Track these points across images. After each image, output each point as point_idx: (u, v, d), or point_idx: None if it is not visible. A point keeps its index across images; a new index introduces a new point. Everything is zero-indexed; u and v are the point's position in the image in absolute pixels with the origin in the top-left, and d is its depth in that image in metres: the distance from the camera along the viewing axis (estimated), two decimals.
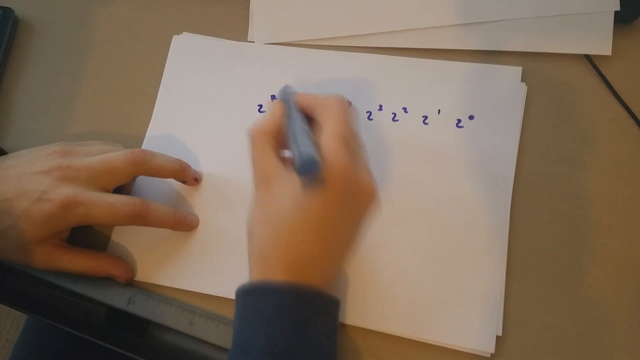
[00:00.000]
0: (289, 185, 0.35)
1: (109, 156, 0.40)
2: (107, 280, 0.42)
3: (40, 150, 0.41)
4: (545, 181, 0.43)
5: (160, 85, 0.48)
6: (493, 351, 0.39)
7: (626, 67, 0.45)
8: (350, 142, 0.36)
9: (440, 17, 0.47)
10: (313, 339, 0.34)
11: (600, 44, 0.45)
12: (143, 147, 0.47)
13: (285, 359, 0.33)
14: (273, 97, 0.47)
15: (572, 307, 0.40)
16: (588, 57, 0.45)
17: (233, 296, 0.37)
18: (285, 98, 0.39)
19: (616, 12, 0.45)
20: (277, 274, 0.34)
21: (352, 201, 0.36)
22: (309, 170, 0.33)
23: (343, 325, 0.41)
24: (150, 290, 0.43)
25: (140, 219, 0.40)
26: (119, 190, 0.43)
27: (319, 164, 0.33)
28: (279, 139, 0.38)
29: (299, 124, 0.36)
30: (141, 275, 0.43)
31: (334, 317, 0.36)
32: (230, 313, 0.41)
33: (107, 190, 0.40)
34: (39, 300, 0.44)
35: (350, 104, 0.38)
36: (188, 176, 0.43)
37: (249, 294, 0.35)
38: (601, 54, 0.45)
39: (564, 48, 0.45)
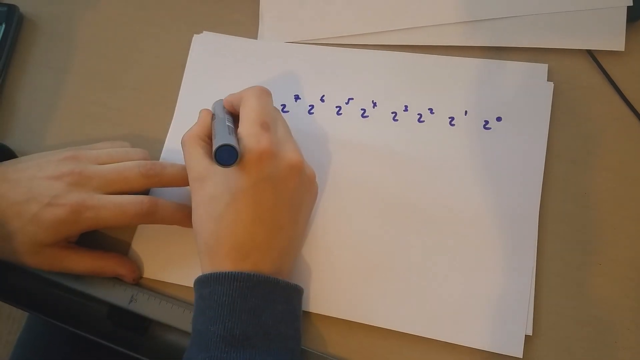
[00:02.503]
0: (220, 180, 0.37)
1: (123, 166, 0.40)
2: (109, 279, 0.42)
3: (52, 155, 0.41)
4: (549, 180, 0.42)
5: (182, 84, 0.48)
6: (520, 355, 0.38)
7: (631, 65, 0.45)
8: (269, 125, 0.38)
9: (448, 14, 0.46)
10: (270, 326, 0.35)
11: (613, 39, 0.44)
12: (166, 142, 0.46)
13: (242, 345, 0.34)
14: (297, 96, 0.46)
15: (576, 306, 0.39)
16: (592, 55, 0.45)
17: None
18: (214, 106, 0.42)
19: None
20: (227, 265, 0.36)
21: (283, 179, 0.37)
22: (225, 156, 0.35)
23: (361, 325, 0.40)
24: (152, 289, 0.42)
25: (150, 216, 0.40)
26: None
27: (232, 147, 0.35)
28: (209, 142, 0.40)
29: (222, 123, 0.38)
30: (149, 272, 0.43)
31: (294, 304, 0.37)
32: None
33: None
34: (41, 299, 0.44)
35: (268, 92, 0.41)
36: None
37: (204, 284, 0.36)
38: (614, 50, 0.44)
39: (574, 44, 0.45)
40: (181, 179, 0.42)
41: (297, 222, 0.39)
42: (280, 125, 0.40)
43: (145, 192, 0.44)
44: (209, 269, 0.37)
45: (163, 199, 0.41)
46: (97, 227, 0.39)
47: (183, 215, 0.42)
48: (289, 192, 0.38)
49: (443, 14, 0.46)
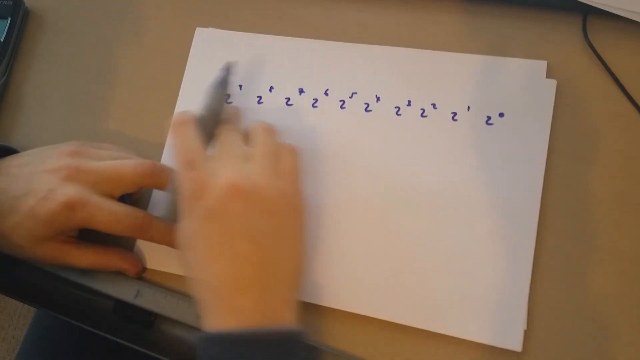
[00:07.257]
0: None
1: (120, 163, 0.40)
2: (114, 274, 0.42)
3: (54, 149, 0.41)
4: (551, 175, 0.42)
5: (183, 80, 0.48)
6: (520, 349, 0.38)
7: (634, 62, 0.44)
8: (193, 161, 0.37)
9: None
10: None
11: None
12: (168, 136, 0.46)
13: None
14: (301, 90, 0.46)
15: (577, 301, 0.39)
16: (595, 51, 0.44)
17: None
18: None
19: None
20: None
21: (224, 209, 0.35)
22: None
23: (360, 317, 0.40)
24: (158, 283, 0.43)
25: (142, 233, 0.40)
26: (124, 198, 0.42)
27: None
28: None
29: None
30: (154, 264, 0.43)
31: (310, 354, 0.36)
32: None
33: (112, 196, 0.40)
34: (47, 293, 0.44)
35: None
36: None
37: (212, 342, 0.34)
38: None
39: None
40: None
41: (275, 245, 0.36)
42: (220, 150, 0.39)
43: (135, 200, 0.44)
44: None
45: (158, 218, 0.41)
46: (89, 227, 0.39)
47: (173, 239, 0.41)
48: (239, 219, 0.35)
49: None
